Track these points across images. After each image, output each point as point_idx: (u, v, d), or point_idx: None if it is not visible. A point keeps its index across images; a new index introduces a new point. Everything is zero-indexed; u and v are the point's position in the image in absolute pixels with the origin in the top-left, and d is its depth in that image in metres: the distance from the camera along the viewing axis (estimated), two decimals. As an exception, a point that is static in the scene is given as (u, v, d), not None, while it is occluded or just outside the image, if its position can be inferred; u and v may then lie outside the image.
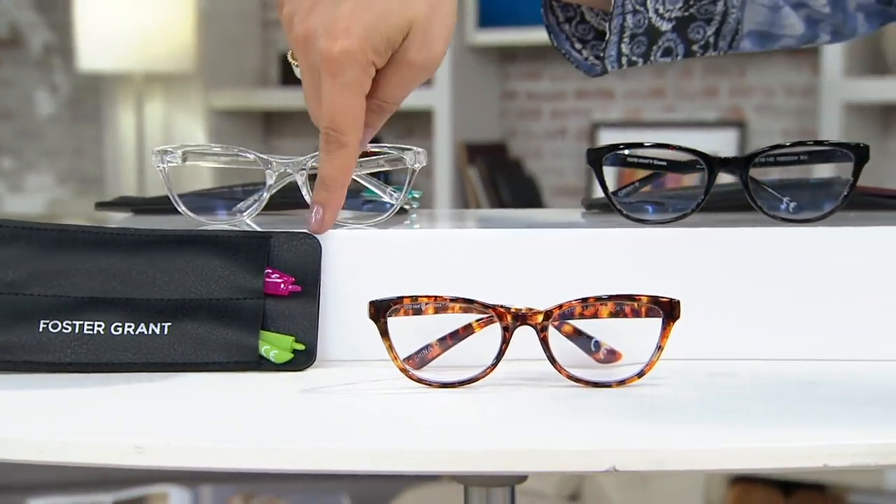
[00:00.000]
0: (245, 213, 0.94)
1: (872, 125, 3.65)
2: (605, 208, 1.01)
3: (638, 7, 1.00)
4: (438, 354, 0.87)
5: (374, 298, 0.82)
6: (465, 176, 3.62)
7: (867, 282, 0.86)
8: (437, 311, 0.83)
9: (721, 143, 3.70)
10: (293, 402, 0.79)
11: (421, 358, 0.86)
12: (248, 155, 0.92)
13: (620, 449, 0.67)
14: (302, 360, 0.86)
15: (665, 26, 1.02)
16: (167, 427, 0.73)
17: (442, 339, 0.87)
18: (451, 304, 0.82)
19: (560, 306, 0.81)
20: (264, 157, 0.92)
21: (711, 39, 1.04)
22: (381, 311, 0.81)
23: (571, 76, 3.89)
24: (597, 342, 0.88)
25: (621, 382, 0.81)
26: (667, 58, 1.04)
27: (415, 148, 0.92)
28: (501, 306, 0.81)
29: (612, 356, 0.88)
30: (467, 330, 0.87)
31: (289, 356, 0.86)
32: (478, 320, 0.87)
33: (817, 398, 0.78)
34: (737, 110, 3.76)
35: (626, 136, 3.80)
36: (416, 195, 0.99)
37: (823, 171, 0.95)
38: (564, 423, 0.74)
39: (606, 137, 3.82)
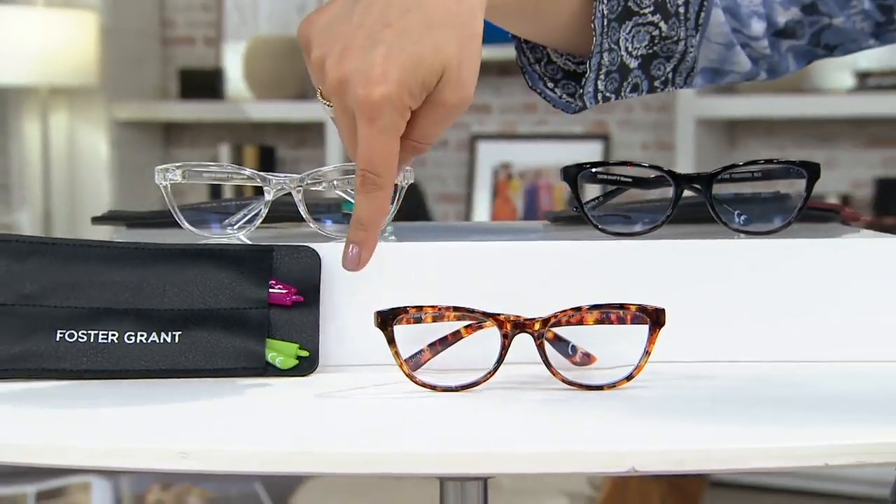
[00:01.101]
0: (245, 227, 0.92)
1: (720, 138, 3.71)
2: (569, 221, 1.00)
3: (613, 46, 0.99)
4: (430, 359, 0.85)
5: (378, 308, 0.81)
6: (354, 183, 3.60)
7: (829, 289, 0.86)
8: (440, 319, 0.81)
9: (588, 154, 3.73)
10: (313, 407, 0.77)
11: (415, 362, 0.84)
12: (246, 172, 0.90)
13: (639, 451, 0.66)
14: (306, 365, 0.84)
15: (633, 63, 1.01)
16: (203, 432, 0.70)
17: (432, 345, 0.85)
18: (453, 313, 0.81)
19: (555, 315, 0.80)
20: (262, 174, 0.89)
21: (670, 76, 1.04)
22: (387, 320, 0.80)
23: (451, 92, 3.88)
24: (573, 346, 0.87)
25: (612, 385, 0.80)
26: (634, 93, 1.03)
27: (403, 166, 0.90)
28: (501, 315, 0.80)
29: (588, 359, 0.87)
30: (455, 336, 0.86)
31: (294, 362, 0.84)
32: (467, 326, 0.85)
33: (800, 399, 0.77)
34: (601, 124, 3.79)
35: (502, 147, 3.80)
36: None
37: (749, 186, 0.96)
38: (576, 424, 0.73)
39: (484, 149, 3.82)
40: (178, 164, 0.90)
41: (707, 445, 0.66)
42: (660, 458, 0.66)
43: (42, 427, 0.72)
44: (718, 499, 3.27)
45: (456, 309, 0.81)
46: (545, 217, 1.05)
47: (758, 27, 1.05)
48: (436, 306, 0.81)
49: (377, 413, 0.75)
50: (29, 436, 0.70)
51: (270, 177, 0.89)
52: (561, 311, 0.80)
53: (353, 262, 0.82)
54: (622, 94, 1.03)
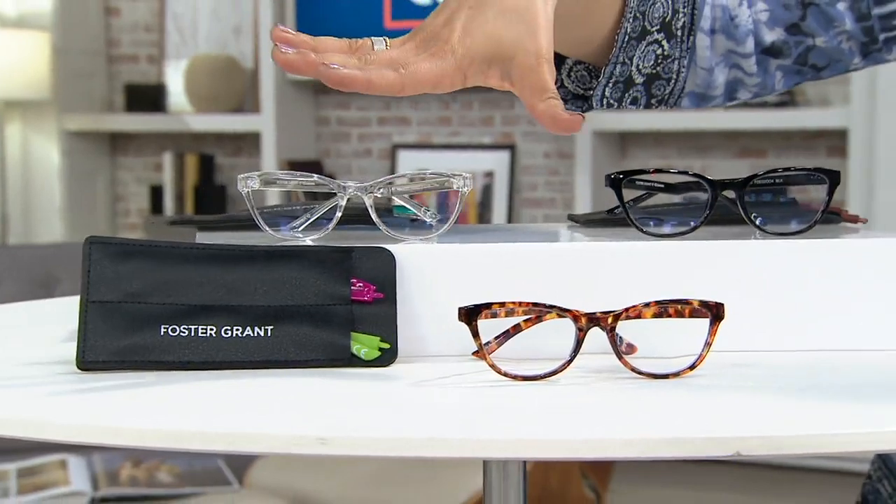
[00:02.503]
0: (309, 229, 0.87)
1: (613, 148, 3.72)
2: (599, 223, 0.98)
3: (626, 60, 0.98)
4: (495, 350, 0.82)
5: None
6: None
7: (853, 283, 0.84)
8: (517, 314, 0.78)
9: (496, 163, 3.71)
10: (414, 395, 0.73)
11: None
12: (322, 179, 0.86)
13: (744, 436, 0.63)
14: (387, 357, 0.80)
15: (639, 79, 1.00)
16: (331, 419, 0.67)
17: (497, 337, 0.82)
18: (530, 308, 0.78)
19: (626, 309, 0.77)
20: (338, 182, 0.85)
21: (666, 97, 1.03)
22: (471, 314, 0.76)
23: (375, 106, 3.84)
24: (620, 337, 0.84)
25: (676, 374, 0.77)
26: (633, 105, 1.02)
27: (463, 173, 0.87)
28: (577, 310, 0.77)
29: (631, 349, 0.84)
30: (516, 329, 0.83)
31: (377, 354, 0.80)
32: (527, 320, 0.82)
33: (857, 385, 0.75)
34: (508, 135, 3.78)
35: (420, 156, 3.77)
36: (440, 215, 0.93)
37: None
38: (670, 410, 0.70)
39: (404, 156, 3.78)
40: (258, 173, 0.85)
41: (808, 430, 0.63)
42: (764, 443, 0.63)
43: (172, 415, 0.67)
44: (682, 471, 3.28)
45: (535, 305, 0.78)
46: (569, 218, 1.02)
47: (750, 44, 1.03)
48: (517, 302, 0.78)
49: (474, 400, 0.72)
50: (169, 422, 0.65)
51: (345, 184, 0.86)
52: (631, 307, 0.77)
53: (287, 61, 0.82)
54: (623, 103, 1.01)
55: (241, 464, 2.51)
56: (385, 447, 0.63)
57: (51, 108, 3.96)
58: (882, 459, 1.06)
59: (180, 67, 4.00)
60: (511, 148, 3.72)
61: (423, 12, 3.69)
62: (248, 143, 3.96)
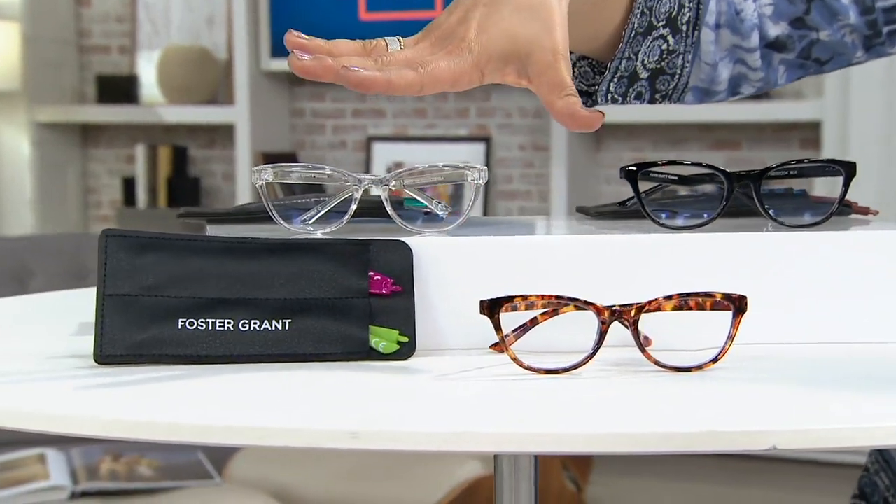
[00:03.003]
0: (319, 222, 0.86)
1: (588, 140, 3.71)
2: (610, 215, 0.97)
3: (632, 56, 0.98)
4: (513, 343, 0.81)
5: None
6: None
7: (871, 274, 0.84)
8: (539, 307, 0.77)
9: (471, 154, 3.71)
10: (439, 389, 0.72)
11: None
12: (330, 171, 0.85)
13: (779, 430, 0.62)
14: (406, 350, 0.79)
15: (643, 74, 0.99)
16: (362, 413, 0.66)
17: (515, 330, 0.81)
18: (553, 302, 0.77)
19: (649, 302, 0.76)
20: (353, 174, 0.84)
21: (669, 91, 1.02)
22: (493, 307, 0.76)
23: (349, 98, 3.82)
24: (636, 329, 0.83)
25: (699, 367, 0.77)
26: (637, 100, 1.01)
27: (478, 166, 0.86)
28: (599, 304, 0.76)
29: (647, 341, 0.84)
30: (533, 322, 0.82)
31: (395, 347, 0.79)
32: (543, 313, 0.81)
33: (877, 377, 0.75)
34: (483, 127, 3.77)
35: (396, 148, 3.76)
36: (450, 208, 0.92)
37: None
38: (701, 403, 0.69)
39: (379, 148, 3.77)
40: (271, 165, 0.84)
41: (843, 423, 0.63)
42: (799, 437, 0.62)
43: (198, 409, 0.66)
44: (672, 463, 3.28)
45: (557, 298, 0.77)
46: (578, 210, 1.01)
47: (755, 39, 1.03)
48: (537, 295, 0.77)
49: (502, 393, 0.71)
50: (197, 417, 0.64)
51: (358, 176, 0.85)
52: (653, 300, 0.77)
53: (305, 68, 0.81)
54: (627, 98, 1.01)
55: (221, 457, 2.49)
56: (418, 441, 0.62)
57: (21, 98, 3.92)
58: (879, 451, 1.06)
59: (153, 58, 3.97)
60: (486, 140, 3.71)
61: (397, 4, 3.67)
62: (221, 134, 3.93)
